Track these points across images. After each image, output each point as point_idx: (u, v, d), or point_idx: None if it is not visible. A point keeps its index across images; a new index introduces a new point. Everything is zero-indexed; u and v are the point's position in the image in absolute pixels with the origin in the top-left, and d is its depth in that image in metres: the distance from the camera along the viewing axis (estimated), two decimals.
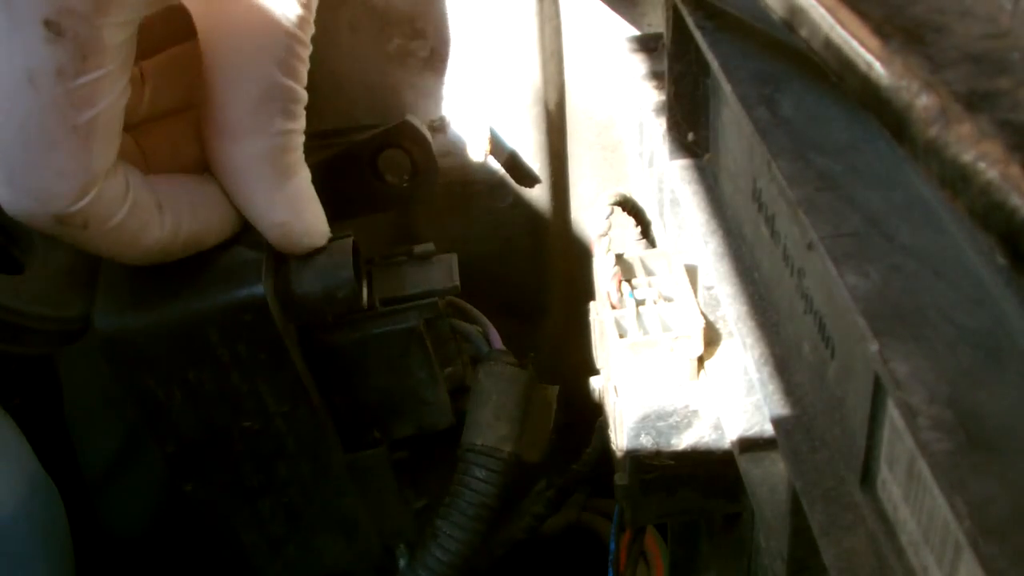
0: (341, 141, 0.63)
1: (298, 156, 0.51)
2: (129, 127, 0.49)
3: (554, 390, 0.66)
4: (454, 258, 0.62)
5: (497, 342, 0.63)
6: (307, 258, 0.54)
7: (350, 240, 0.55)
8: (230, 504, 0.57)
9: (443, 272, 0.61)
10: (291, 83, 0.49)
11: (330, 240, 0.55)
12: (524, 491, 0.77)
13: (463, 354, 0.62)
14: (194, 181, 0.52)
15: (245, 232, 0.53)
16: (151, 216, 0.48)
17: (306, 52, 0.49)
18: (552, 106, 0.71)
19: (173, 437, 0.54)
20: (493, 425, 0.60)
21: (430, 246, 0.62)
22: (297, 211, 0.52)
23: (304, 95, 0.50)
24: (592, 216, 0.69)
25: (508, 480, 0.60)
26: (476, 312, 0.64)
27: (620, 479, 0.53)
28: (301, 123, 0.50)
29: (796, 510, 0.38)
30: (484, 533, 0.60)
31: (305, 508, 0.58)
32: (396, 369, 0.58)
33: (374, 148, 0.62)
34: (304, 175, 0.52)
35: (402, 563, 0.62)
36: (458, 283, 0.60)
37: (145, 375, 0.52)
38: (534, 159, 0.72)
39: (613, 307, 0.52)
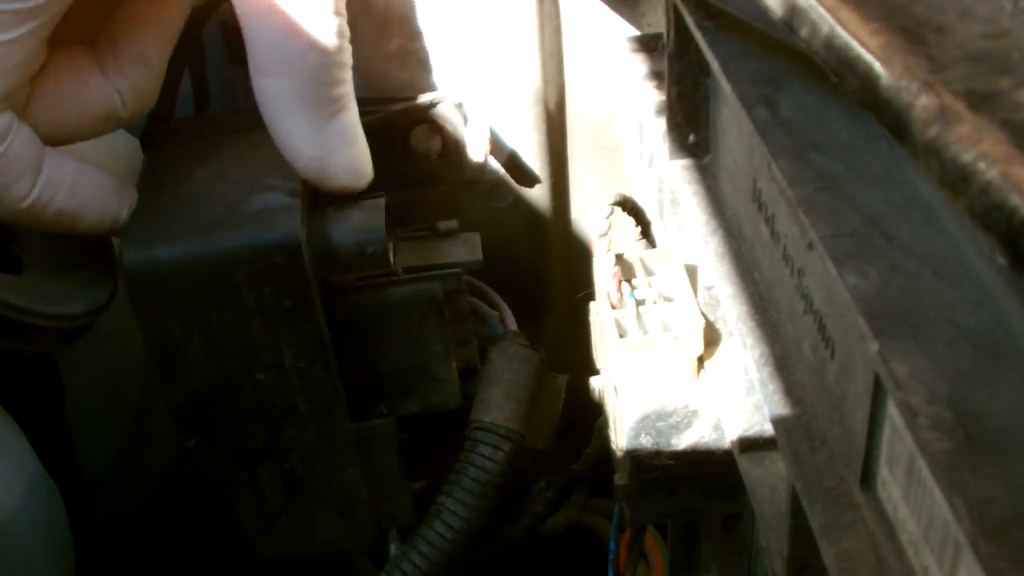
0: (370, 110, 0.62)
1: (341, 92, 0.50)
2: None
3: (563, 379, 0.66)
4: (477, 236, 0.62)
5: (512, 325, 0.64)
6: (341, 210, 0.54)
7: (383, 199, 0.55)
8: (230, 467, 0.57)
9: (467, 247, 0.61)
10: (321, 11, 0.48)
11: (363, 197, 0.55)
12: (524, 491, 0.77)
13: (474, 336, 0.62)
14: (87, 166, 0.52)
15: (282, 177, 0.52)
16: (25, 172, 0.49)
17: None
18: (552, 106, 0.71)
19: (185, 385, 0.54)
20: (503, 404, 0.60)
21: (453, 223, 0.63)
22: (336, 148, 0.51)
23: (343, 26, 0.49)
24: (592, 216, 0.69)
25: (514, 460, 0.60)
26: (495, 295, 0.64)
27: (620, 479, 0.53)
28: (342, 56, 0.49)
29: (796, 510, 0.38)
30: (487, 512, 0.59)
31: (305, 477, 0.58)
32: (412, 339, 0.58)
33: (405, 123, 0.62)
34: (350, 113, 0.51)
35: (393, 548, 0.62)
36: (481, 258, 0.60)
37: (167, 314, 0.52)
38: (534, 159, 0.72)
39: (613, 307, 0.52)
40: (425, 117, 0.62)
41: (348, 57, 0.50)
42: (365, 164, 0.53)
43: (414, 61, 0.69)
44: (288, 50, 0.48)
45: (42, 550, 0.55)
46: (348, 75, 0.50)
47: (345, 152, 0.52)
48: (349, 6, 0.67)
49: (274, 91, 0.50)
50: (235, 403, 0.55)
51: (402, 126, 0.62)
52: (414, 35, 0.68)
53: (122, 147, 0.67)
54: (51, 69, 0.51)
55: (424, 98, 0.62)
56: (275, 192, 0.52)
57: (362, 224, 0.54)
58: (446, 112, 0.62)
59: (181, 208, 0.52)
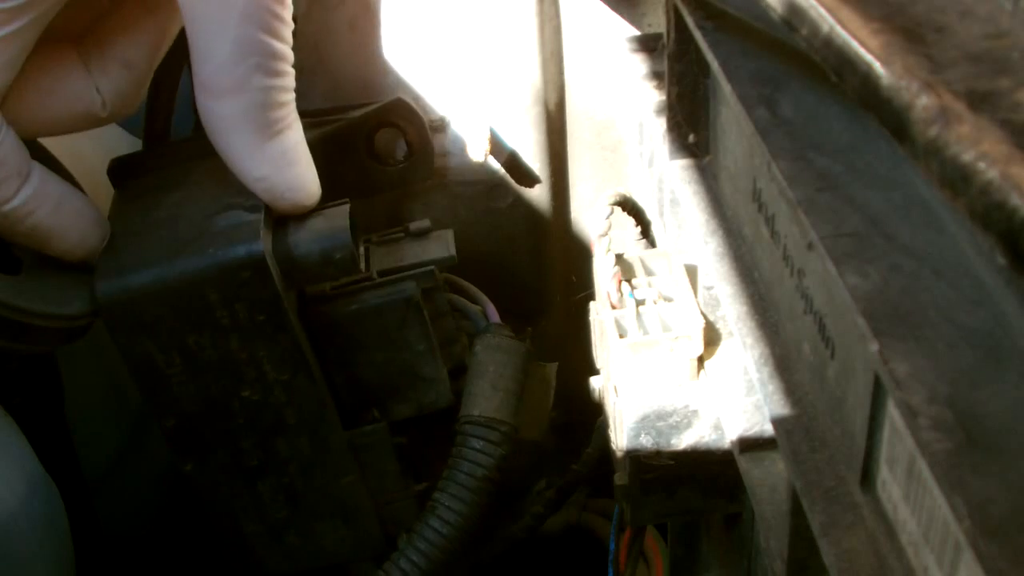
0: (333, 119, 0.62)
1: (283, 114, 0.51)
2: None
3: (553, 367, 0.66)
4: (450, 233, 0.62)
5: (495, 317, 0.63)
6: (304, 221, 0.55)
7: (347, 205, 0.55)
8: (230, 486, 0.57)
9: (440, 245, 0.61)
10: (266, 38, 0.49)
11: (327, 206, 0.55)
12: (524, 491, 0.77)
13: (462, 333, 0.62)
14: (75, 193, 0.53)
15: (243, 195, 0.53)
16: (10, 176, 0.49)
17: (284, 8, 0.49)
18: (552, 106, 0.71)
19: (173, 410, 0.54)
20: (490, 396, 0.60)
21: (426, 222, 0.63)
22: (279, 168, 0.52)
23: (287, 52, 0.50)
24: (592, 216, 0.69)
25: (507, 451, 0.59)
26: (474, 289, 0.64)
27: (620, 479, 0.53)
28: (285, 80, 0.51)
29: (796, 510, 0.38)
30: (484, 506, 0.59)
31: (305, 489, 0.58)
32: (394, 341, 0.59)
33: (368, 128, 0.62)
34: (292, 133, 0.52)
35: None
36: (455, 254, 0.61)
37: (146, 341, 0.52)
38: (534, 159, 0.72)
39: (613, 307, 0.52)
40: (386, 120, 0.62)
41: (290, 80, 0.51)
42: (310, 182, 0.54)
43: (413, 62, 0.69)
44: (232, 73, 0.49)
45: (42, 550, 0.55)
46: (290, 96, 0.52)
47: (289, 172, 0.53)
48: (350, 5, 0.67)
49: (219, 113, 0.51)
50: (225, 423, 0.55)
51: (364, 132, 0.62)
52: (414, 34, 0.68)
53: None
54: (34, 61, 0.51)
55: (383, 101, 0.62)
56: (237, 210, 0.53)
57: (326, 232, 0.54)
58: (407, 113, 0.62)
59: (150, 235, 0.53)
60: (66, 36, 0.53)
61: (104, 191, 0.59)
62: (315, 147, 0.57)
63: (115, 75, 0.53)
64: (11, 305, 0.51)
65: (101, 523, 0.69)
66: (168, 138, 0.62)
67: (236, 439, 0.56)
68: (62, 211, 0.52)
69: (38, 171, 0.51)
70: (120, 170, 0.59)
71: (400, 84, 0.69)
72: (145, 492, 0.76)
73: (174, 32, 0.55)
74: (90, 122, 0.54)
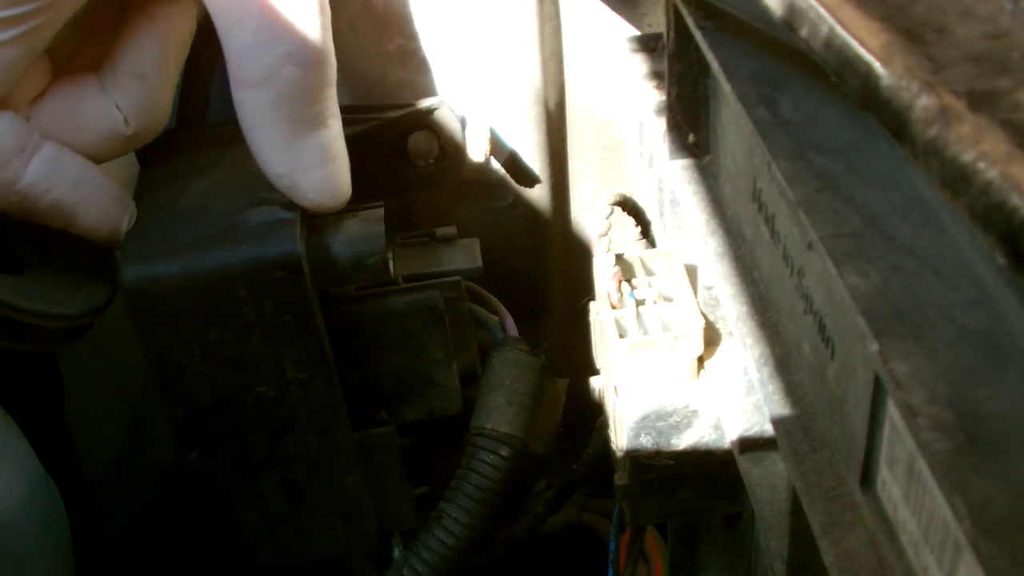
0: (368, 117, 0.62)
1: (317, 110, 0.49)
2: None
3: (564, 383, 0.66)
4: (476, 242, 0.62)
5: (513, 330, 0.64)
6: (338, 222, 0.54)
7: (380, 209, 0.55)
8: (232, 478, 0.57)
9: (466, 254, 0.61)
10: (296, 26, 0.46)
11: (359, 207, 0.55)
12: (524, 491, 0.77)
13: (474, 341, 0.62)
14: (94, 169, 0.52)
15: (277, 190, 0.52)
16: (11, 157, 0.48)
17: None
18: (552, 106, 0.71)
19: (186, 400, 0.54)
20: (504, 410, 0.60)
21: (452, 229, 0.63)
22: (306, 167, 0.50)
23: (324, 43, 0.47)
24: (592, 216, 0.69)
25: (515, 466, 0.60)
26: (494, 300, 0.65)
27: (620, 479, 0.53)
28: (321, 73, 0.48)
29: (796, 510, 0.38)
30: (490, 519, 0.59)
31: (308, 486, 0.58)
32: (412, 347, 0.59)
33: (404, 129, 0.62)
34: (326, 131, 0.50)
35: (396, 552, 0.62)
36: (480, 265, 0.60)
37: (167, 331, 0.52)
38: (534, 159, 0.72)
39: (613, 307, 0.52)
40: (422, 123, 0.62)
41: (330, 74, 0.49)
42: (340, 183, 0.52)
43: (415, 62, 0.69)
44: (261, 63, 0.47)
45: (42, 550, 0.55)
46: (328, 92, 0.49)
47: (317, 171, 0.51)
48: (350, 5, 0.67)
49: (247, 104, 0.48)
50: (237, 416, 0.55)
51: (399, 132, 0.62)
52: (414, 35, 0.68)
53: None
54: (52, 90, 0.51)
55: (422, 104, 0.62)
56: (273, 205, 0.52)
57: (361, 236, 0.53)
58: (444, 117, 0.62)
59: (180, 223, 0.52)
60: (86, 67, 0.53)
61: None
62: (349, 144, 0.57)
63: (130, 89, 0.52)
64: (12, 305, 0.51)
65: (101, 523, 0.69)
66: (203, 123, 0.62)
67: (245, 433, 0.55)
68: (82, 187, 0.51)
69: (51, 148, 0.50)
70: (147, 149, 0.58)
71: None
72: (145, 492, 0.76)
73: (180, 37, 0.54)
74: (117, 142, 0.53)
